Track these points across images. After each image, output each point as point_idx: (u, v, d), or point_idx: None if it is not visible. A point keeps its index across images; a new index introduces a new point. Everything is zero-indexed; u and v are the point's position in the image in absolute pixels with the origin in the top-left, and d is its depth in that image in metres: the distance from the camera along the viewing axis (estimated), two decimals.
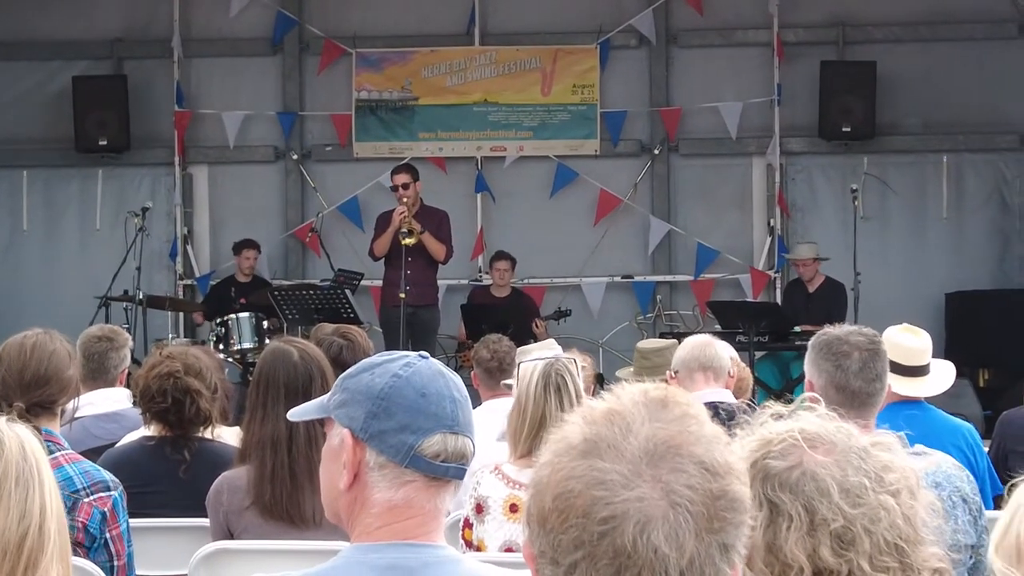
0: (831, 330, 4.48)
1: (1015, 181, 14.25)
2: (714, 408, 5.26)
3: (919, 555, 2.24)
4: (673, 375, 5.82)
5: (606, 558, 1.72)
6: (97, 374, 6.06)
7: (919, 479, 2.29)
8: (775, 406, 2.37)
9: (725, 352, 5.84)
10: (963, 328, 13.38)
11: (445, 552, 2.49)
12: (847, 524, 2.19)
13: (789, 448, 2.24)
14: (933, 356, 5.80)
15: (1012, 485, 2.40)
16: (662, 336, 11.67)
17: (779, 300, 13.87)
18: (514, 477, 4.69)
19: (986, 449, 6.05)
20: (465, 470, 2.52)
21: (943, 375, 5.75)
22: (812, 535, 2.19)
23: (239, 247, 13.64)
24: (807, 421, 2.29)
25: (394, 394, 2.47)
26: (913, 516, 2.24)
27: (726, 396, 5.68)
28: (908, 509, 2.24)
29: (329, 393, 2.59)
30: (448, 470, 2.48)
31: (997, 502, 5.13)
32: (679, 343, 6.24)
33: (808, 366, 4.45)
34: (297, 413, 2.67)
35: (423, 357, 2.55)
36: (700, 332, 7.11)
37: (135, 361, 6.75)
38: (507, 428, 4.79)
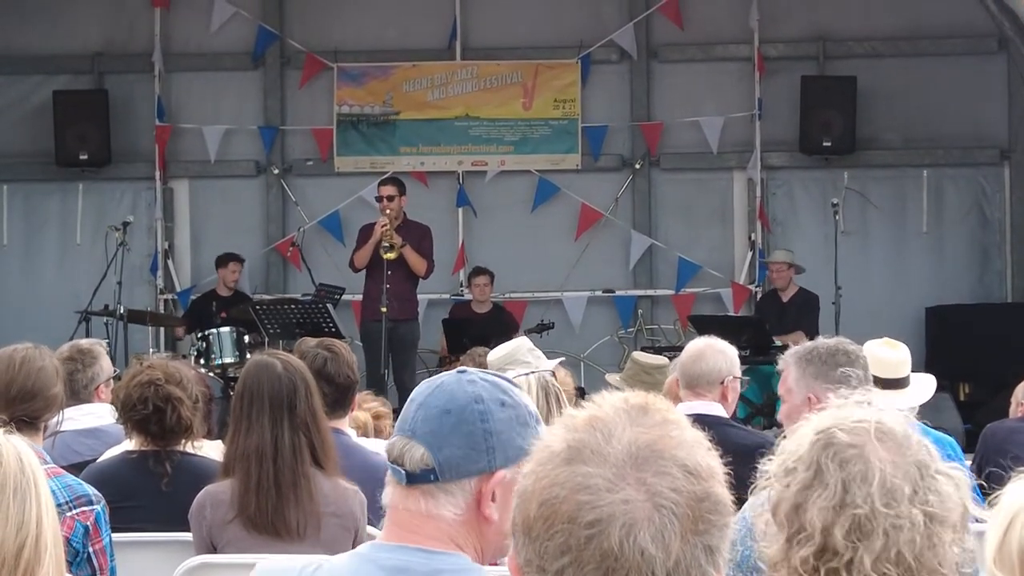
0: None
1: (995, 195, 14.29)
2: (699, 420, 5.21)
3: None
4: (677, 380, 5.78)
5: (593, 562, 1.73)
6: (69, 394, 5.99)
7: (967, 523, 2.27)
8: (862, 394, 2.44)
9: (717, 361, 5.63)
10: (943, 342, 13.40)
11: (460, 561, 2.44)
12: (870, 515, 2.19)
13: (860, 429, 2.27)
14: (913, 370, 5.82)
15: (995, 497, 2.41)
16: (642, 351, 11.64)
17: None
18: None
19: (967, 463, 6.07)
20: (401, 472, 2.48)
21: (923, 387, 5.76)
22: (836, 511, 2.20)
23: (224, 260, 13.60)
24: (896, 420, 2.32)
25: None
26: (942, 549, 2.21)
27: (714, 409, 5.55)
28: (938, 539, 2.21)
29: None
30: (388, 469, 2.51)
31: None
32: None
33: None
34: None
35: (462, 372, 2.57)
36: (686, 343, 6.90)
37: (115, 376, 6.66)
38: None
